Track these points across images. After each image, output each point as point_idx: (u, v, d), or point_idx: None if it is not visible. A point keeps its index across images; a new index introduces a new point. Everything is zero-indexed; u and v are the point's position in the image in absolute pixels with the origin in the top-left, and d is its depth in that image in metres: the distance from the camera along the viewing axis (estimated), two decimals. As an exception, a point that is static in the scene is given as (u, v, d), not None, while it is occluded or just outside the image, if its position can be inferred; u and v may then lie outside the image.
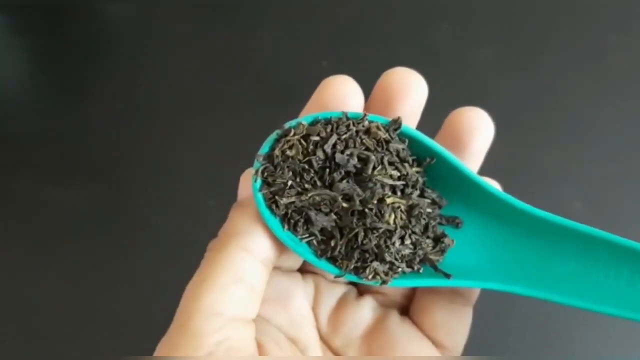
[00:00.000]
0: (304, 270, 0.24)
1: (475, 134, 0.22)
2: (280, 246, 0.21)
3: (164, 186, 0.42)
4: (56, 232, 0.40)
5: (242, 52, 0.47)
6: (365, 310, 0.24)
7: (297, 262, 0.24)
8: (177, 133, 0.44)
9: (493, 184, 0.23)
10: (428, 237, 0.22)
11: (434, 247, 0.22)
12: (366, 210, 0.21)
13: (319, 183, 0.21)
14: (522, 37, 0.46)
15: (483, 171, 0.23)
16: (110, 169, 0.42)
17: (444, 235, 0.23)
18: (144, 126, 0.44)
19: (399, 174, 0.22)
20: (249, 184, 0.21)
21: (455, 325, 0.23)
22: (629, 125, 0.42)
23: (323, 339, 0.24)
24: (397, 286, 0.22)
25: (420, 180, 0.22)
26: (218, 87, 0.45)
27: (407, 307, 0.24)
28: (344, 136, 0.21)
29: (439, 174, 0.22)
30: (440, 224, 0.23)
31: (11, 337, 0.37)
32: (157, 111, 0.45)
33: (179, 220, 0.40)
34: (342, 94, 0.22)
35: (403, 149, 0.22)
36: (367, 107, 0.23)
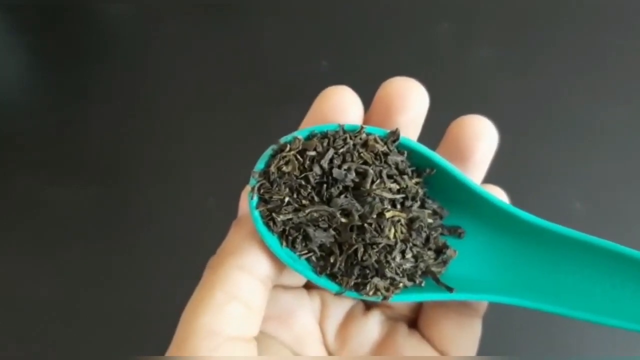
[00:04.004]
0: (310, 285, 0.24)
1: (478, 142, 0.22)
2: (280, 263, 0.21)
3: (164, 186, 0.42)
4: (56, 231, 0.40)
5: (242, 52, 0.47)
6: (372, 325, 0.24)
7: (301, 279, 0.23)
8: (177, 133, 0.44)
9: (496, 192, 0.23)
10: (429, 249, 0.22)
11: (435, 259, 0.22)
12: (365, 225, 0.20)
13: (316, 199, 0.20)
14: (522, 37, 0.46)
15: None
16: (111, 169, 0.42)
17: (445, 246, 0.22)
18: (144, 126, 0.44)
19: (398, 187, 0.21)
20: (248, 200, 0.21)
21: (464, 337, 0.23)
22: (629, 126, 0.42)
23: (331, 354, 0.23)
24: (399, 301, 0.22)
25: (421, 191, 0.22)
26: (218, 86, 0.45)
27: (415, 320, 0.24)
28: (341, 150, 0.21)
29: (441, 184, 0.22)
30: (442, 234, 0.23)
31: (12, 337, 0.37)
32: (157, 111, 0.45)
33: (179, 219, 0.40)
34: (341, 106, 0.21)
35: (402, 161, 0.21)
36: (366, 118, 0.22)
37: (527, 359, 0.36)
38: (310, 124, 0.21)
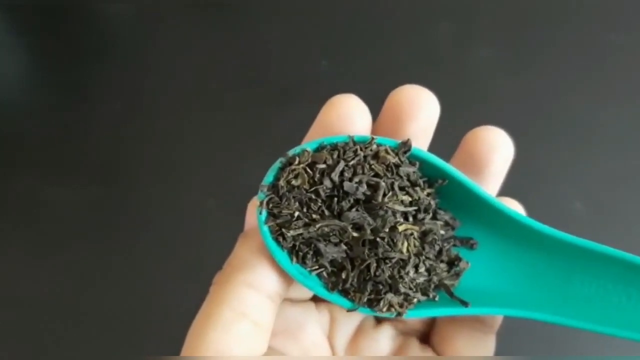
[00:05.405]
0: (318, 298, 0.23)
1: (494, 154, 0.22)
2: (289, 278, 0.20)
3: (164, 186, 0.42)
4: (56, 232, 0.40)
5: (242, 52, 0.47)
6: (384, 340, 0.23)
7: (309, 292, 0.23)
8: (177, 133, 0.44)
9: (510, 204, 0.22)
10: (442, 261, 0.22)
11: (448, 272, 0.22)
12: (378, 239, 0.20)
13: (327, 213, 0.20)
14: (522, 37, 0.46)
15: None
16: (111, 169, 0.42)
17: (458, 258, 0.22)
18: (144, 126, 0.44)
19: (410, 199, 0.21)
20: (255, 213, 0.20)
21: (478, 353, 0.22)
22: (630, 126, 0.42)
23: None
24: (413, 317, 0.21)
25: (433, 203, 0.21)
26: (218, 86, 0.45)
27: (427, 334, 0.24)
28: (351, 162, 0.20)
29: (452, 194, 0.22)
30: (454, 245, 0.22)
31: (12, 337, 0.37)
32: (157, 111, 0.45)
33: (179, 219, 0.40)
34: (348, 115, 0.21)
35: (414, 172, 0.21)
36: (375, 128, 0.22)
37: (526, 359, 0.36)
38: (317, 134, 0.21)
